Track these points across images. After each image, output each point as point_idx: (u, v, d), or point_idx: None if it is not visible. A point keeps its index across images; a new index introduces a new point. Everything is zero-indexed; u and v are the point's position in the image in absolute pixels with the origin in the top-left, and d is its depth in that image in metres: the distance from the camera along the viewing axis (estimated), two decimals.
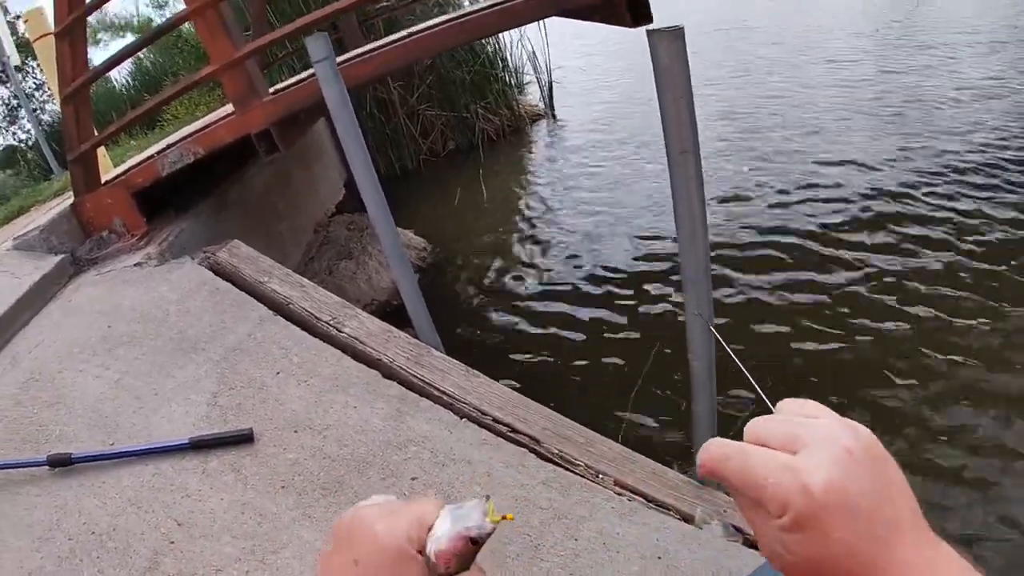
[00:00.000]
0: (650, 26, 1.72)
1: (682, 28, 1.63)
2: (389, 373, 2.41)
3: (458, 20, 3.31)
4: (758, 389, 0.90)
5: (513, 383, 2.49)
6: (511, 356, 4.33)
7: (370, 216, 2.54)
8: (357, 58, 3.34)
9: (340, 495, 1.97)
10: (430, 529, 0.65)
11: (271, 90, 3.51)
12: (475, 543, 0.65)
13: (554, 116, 10.49)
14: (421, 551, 0.64)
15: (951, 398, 3.24)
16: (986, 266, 4.16)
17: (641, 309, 4.52)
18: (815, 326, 3.93)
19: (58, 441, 2.39)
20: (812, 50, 11.18)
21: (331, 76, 2.31)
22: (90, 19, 3.92)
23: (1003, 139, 6.05)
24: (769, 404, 0.96)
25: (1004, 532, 2.57)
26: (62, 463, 2.23)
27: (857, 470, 0.52)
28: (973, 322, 3.68)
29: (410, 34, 3.37)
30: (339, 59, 3.52)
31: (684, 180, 1.70)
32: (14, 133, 15.85)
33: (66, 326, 3.12)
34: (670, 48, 1.61)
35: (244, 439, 2.21)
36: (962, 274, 4.13)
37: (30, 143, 14.02)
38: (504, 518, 0.67)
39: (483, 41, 8.96)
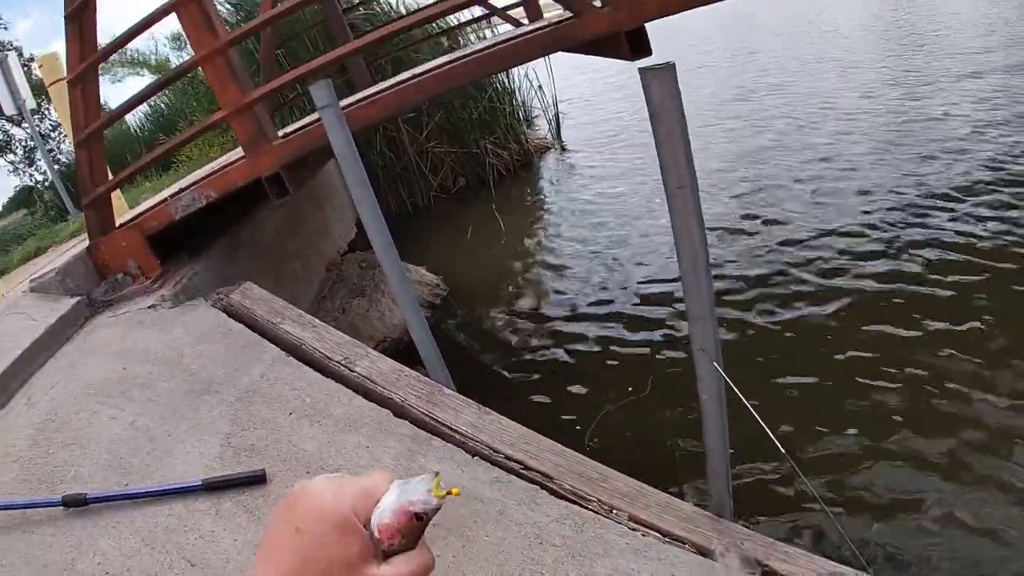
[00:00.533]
0: (642, 63, 1.74)
1: (673, 64, 1.66)
2: (400, 412, 2.43)
3: (462, 60, 3.37)
4: (764, 427, 0.91)
5: (525, 418, 2.48)
6: (523, 391, 4.34)
7: (378, 258, 2.57)
8: (364, 100, 3.39)
9: None
10: (378, 503, 0.63)
11: (280, 133, 3.57)
12: (420, 519, 0.62)
13: (562, 148, 10.57)
14: (367, 525, 0.62)
15: (960, 436, 3.20)
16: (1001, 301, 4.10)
17: (653, 342, 4.52)
18: (825, 359, 3.91)
19: (73, 481, 2.41)
20: (819, 71, 11.24)
21: (336, 122, 2.36)
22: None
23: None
24: (776, 440, 0.98)
25: None
26: (77, 503, 2.25)
27: None
28: (979, 352, 3.64)
29: (416, 76, 3.42)
30: (346, 101, 3.60)
31: (683, 215, 1.72)
32: (31, 175, 16.04)
33: (82, 367, 3.15)
34: (662, 85, 1.64)
35: (257, 480, 2.22)
36: (977, 303, 4.09)
37: (47, 183, 14.18)
38: (450, 493, 0.65)
39: (490, 76, 9.04)
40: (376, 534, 0.62)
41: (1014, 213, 5.05)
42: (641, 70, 1.67)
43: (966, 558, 2.60)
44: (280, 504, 0.65)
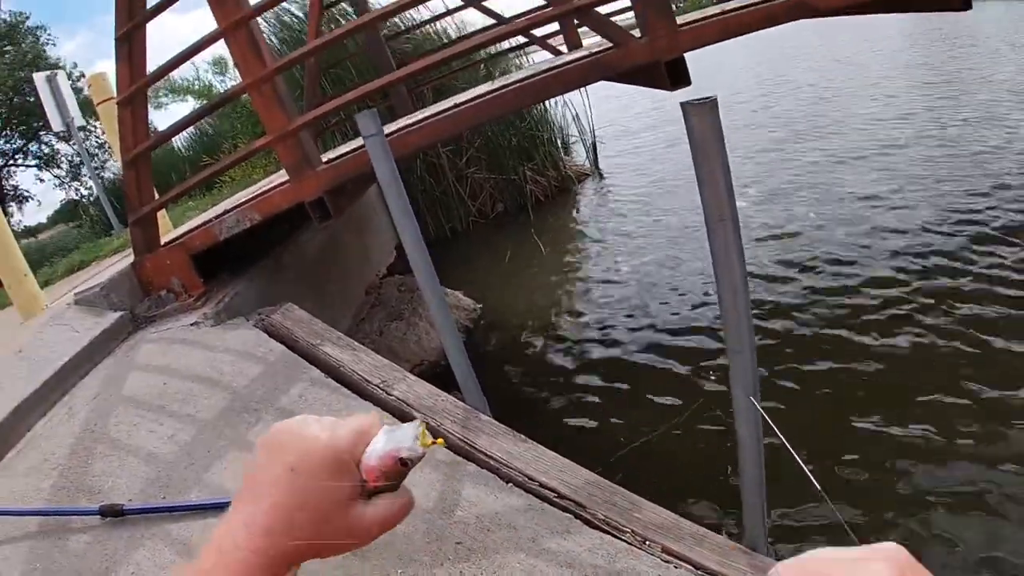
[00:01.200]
0: (684, 98, 1.76)
1: (715, 99, 1.67)
2: (436, 436, 2.44)
3: (501, 90, 3.41)
4: (801, 463, 0.92)
5: (559, 445, 2.49)
6: (557, 418, 4.32)
7: (419, 283, 2.61)
8: (406, 128, 3.45)
9: (384, 557, 1.99)
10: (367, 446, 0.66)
11: (324, 159, 3.64)
12: (404, 464, 0.65)
13: (600, 175, 10.60)
14: (357, 464, 0.65)
15: (997, 470, 3.13)
16: None
17: (690, 372, 4.48)
18: (866, 398, 3.86)
19: (111, 492, 2.45)
20: (856, 104, 11.15)
21: (381, 151, 2.40)
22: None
23: None
24: (813, 480, 0.99)
25: None
26: (114, 513, 2.28)
27: None
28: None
29: (456, 105, 3.48)
30: (389, 128, 3.66)
31: (724, 248, 1.72)
32: (76, 189, 16.42)
33: (123, 381, 3.22)
34: (704, 119, 1.66)
35: None
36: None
37: (92, 199, 14.49)
38: (435, 443, 0.68)
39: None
40: (363, 474, 0.65)
41: None
42: (683, 104, 1.69)
43: None
44: (263, 442, 0.66)
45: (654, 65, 3.24)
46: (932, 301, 4.63)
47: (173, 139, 13.89)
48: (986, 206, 5.92)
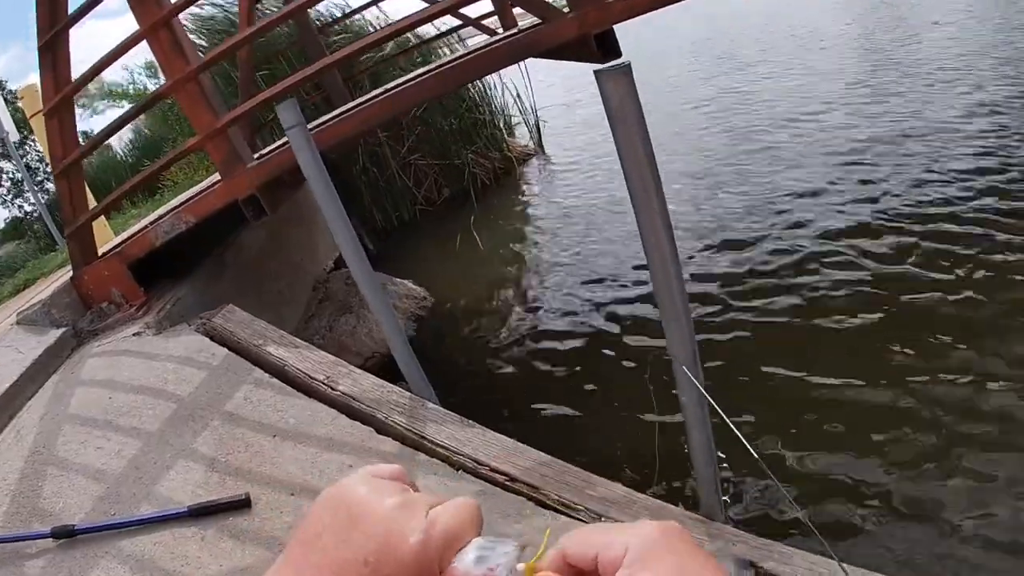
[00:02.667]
0: (598, 66, 1.73)
1: (629, 64, 1.65)
2: (383, 429, 2.42)
3: (429, 74, 3.37)
4: (738, 433, 0.91)
5: (510, 429, 2.47)
6: (508, 402, 4.32)
7: (354, 276, 2.57)
8: (336, 119, 3.39)
9: None
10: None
11: (256, 155, 3.57)
12: None
13: (544, 154, 10.59)
14: (440, 573, 0.53)
15: (932, 429, 3.19)
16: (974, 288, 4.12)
17: (637, 348, 4.50)
18: (805, 358, 3.91)
19: (62, 513, 2.41)
20: (797, 72, 11.27)
21: (303, 142, 2.35)
22: (88, 87, 4.00)
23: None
24: (748, 446, 0.98)
25: None
26: (66, 535, 2.24)
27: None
28: (959, 352, 3.63)
29: (386, 90, 3.43)
30: (320, 120, 3.60)
31: (649, 217, 1.71)
32: (20, 206, 16.04)
33: (68, 399, 3.15)
34: (619, 86, 1.63)
35: (242, 504, 2.22)
36: (955, 302, 4.07)
37: (36, 214, 14.19)
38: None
39: (468, 86, 9.03)
40: None
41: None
42: (596, 72, 1.66)
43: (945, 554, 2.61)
44: (336, 501, 0.55)
45: (584, 39, 3.21)
46: (870, 268, 4.71)
47: (114, 146, 13.69)
48: (914, 177, 6.00)
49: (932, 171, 5.93)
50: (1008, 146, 6.06)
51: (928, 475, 2.93)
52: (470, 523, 0.56)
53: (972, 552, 2.56)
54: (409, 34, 8.45)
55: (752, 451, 0.77)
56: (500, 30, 6.38)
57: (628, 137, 1.66)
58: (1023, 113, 6.85)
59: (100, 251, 4.00)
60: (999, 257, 4.31)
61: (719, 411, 0.94)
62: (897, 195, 5.65)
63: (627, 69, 1.64)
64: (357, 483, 0.56)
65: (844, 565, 1.01)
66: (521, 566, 0.53)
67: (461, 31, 8.59)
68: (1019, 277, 3.98)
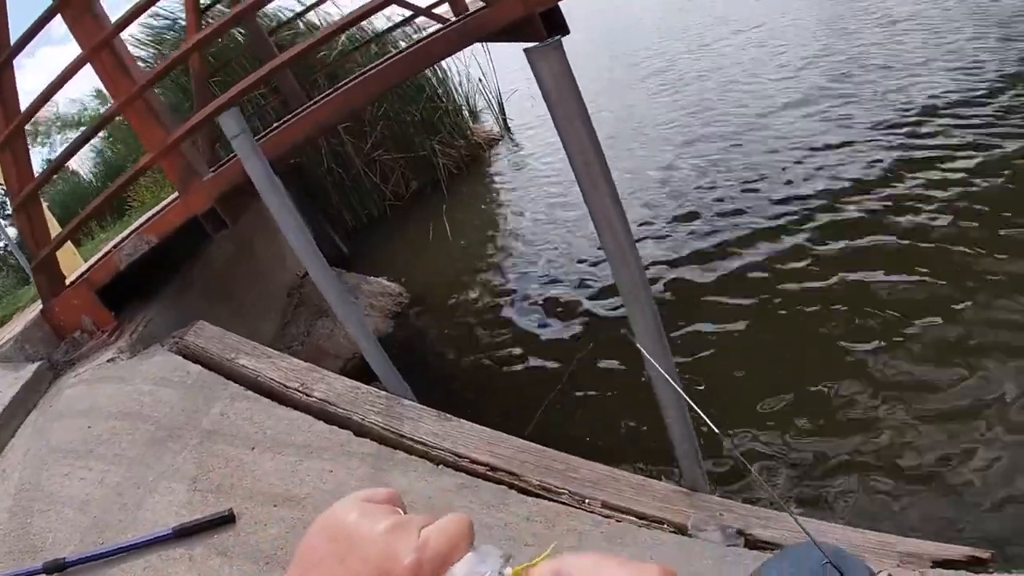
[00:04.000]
0: (528, 44, 1.70)
1: (559, 41, 1.62)
2: (361, 431, 2.41)
3: (374, 70, 3.32)
4: (696, 409, 0.90)
5: (490, 419, 2.47)
6: (487, 392, 4.33)
7: (314, 280, 2.54)
8: (285, 123, 3.35)
9: None
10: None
11: (212, 168, 3.53)
12: None
13: (511, 138, 10.56)
14: None
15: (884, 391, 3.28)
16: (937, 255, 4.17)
17: (612, 328, 4.54)
18: (766, 322, 4.00)
19: (53, 547, 2.39)
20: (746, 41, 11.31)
21: (249, 150, 2.32)
22: (43, 118, 3.94)
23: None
24: (708, 421, 0.97)
25: None
26: (58, 568, 2.23)
27: None
28: (915, 324, 3.68)
29: (336, 88, 3.39)
30: (274, 127, 3.55)
31: (595, 194, 1.68)
32: None
33: (50, 432, 3.12)
34: (551, 63, 1.61)
35: (226, 521, 2.21)
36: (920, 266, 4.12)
37: (8, 248, 14.07)
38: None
39: (427, 75, 8.99)
40: None
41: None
42: (527, 50, 1.63)
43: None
44: (328, 529, 0.55)
45: (530, 18, 3.17)
46: (829, 242, 4.74)
47: (81, 173, 13.56)
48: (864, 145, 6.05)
49: (887, 137, 6.00)
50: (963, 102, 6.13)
51: (888, 437, 3.02)
52: (462, 539, 0.55)
53: (924, 504, 2.67)
54: (368, 30, 8.37)
55: (715, 428, 0.77)
56: (453, 17, 6.33)
57: (566, 114, 1.65)
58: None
59: (69, 280, 3.95)
60: (953, 230, 4.37)
61: (682, 393, 0.93)
62: (861, 164, 5.70)
63: (557, 45, 1.62)
64: (349, 509, 0.56)
65: (793, 514, 1.01)
66: (509, 570, 0.53)
67: (421, 22, 8.49)
68: (974, 253, 4.02)
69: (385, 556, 0.52)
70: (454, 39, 3.24)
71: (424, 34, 8.33)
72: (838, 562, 0.99)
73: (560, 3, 3.22)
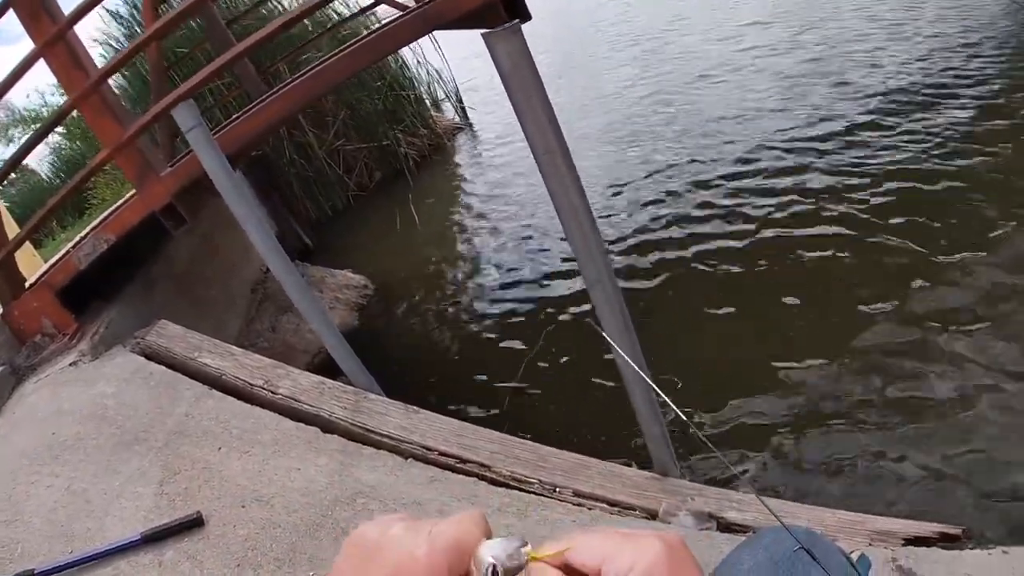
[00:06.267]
0: (485, 30, 1.67)
1: (518, 24, 1.60)
2: (328, 427, 2.38)
3: (336, 57, 3.26)
4: (666, 399, 0.89)
5: (458, 411, 2.46)
6: (453, 383, 4.28)
7: (274, 272, 2.50)
8: (242, 116, 3.29)
9: (295, 564, 1.94)
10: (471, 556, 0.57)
11: (170, 163, 3.46)
12: None
13: (471, 127, 10.53)
14: None
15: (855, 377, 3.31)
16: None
17: (577, 316, 4.53)
18: (728, 301, 4.05)
19: (21, 558, 2.34)
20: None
21: (205, 143, 2.28)
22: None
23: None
24: (678, 411, 0.96)
25: None
26: None
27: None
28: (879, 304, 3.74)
29: (294, 78, 3.33)
30: (233, 118, 3.49)
31: (557, 180, 1.67)
32: None
33: (13, 439, 3.06)
34: (510, 47, 1.58)
35: (194, 524, 2.17)
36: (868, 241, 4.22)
37: None
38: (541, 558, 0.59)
39: (388, 63, 8.91)
40: None
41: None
42: (485, 35, 1.61)
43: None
44: (353, 546, 0.59)
45: (491, 5, 3.13)
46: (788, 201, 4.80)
47: (39, 171, 13.29)
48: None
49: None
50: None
51: (857, 418, 3.06)
52: (474, 528, 0.59)
53: (895, 485, 2.70)
54: (331, 17, 8.27)
55: (679, 412, 0.76)
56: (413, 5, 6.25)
57: (526, 99, 1.62)
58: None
59: (29, 282, 3.87)
60: (918, 201, 4.49)
61: (646, 378, 0.92)
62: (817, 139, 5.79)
63: (515, 29, 1.59)
64: (367, 528, 0.60)
65: (763, 498, 1.01)
66: (527, 549, 0.57)
67: (381, 12, 8.39)
68: (928, 232, 4.11)
69: (400, 555, 0.55)
70: (419, 24, 3.18)
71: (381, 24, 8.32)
72: (810, 545, 0.98)
73: None
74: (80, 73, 3.19)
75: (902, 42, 7.47)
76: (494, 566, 0.56)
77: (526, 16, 3.24)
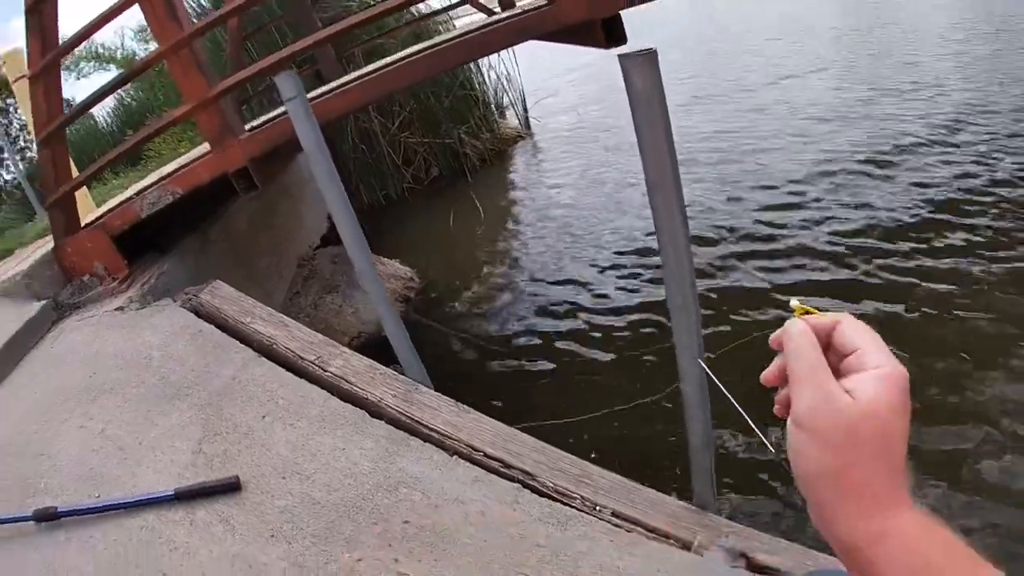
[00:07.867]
0: (621, 50, 1.67)
1: (655, 51, 1.58)
2: (377, 412, 2.36)
3: (430, 51, 3.29)
4: (747, 418, 0.88)
5: (504, 415, 2.43)
6: (501, 387, 4.25)
7: (348, 253, 2.49)
8: (331, 92, 3.31)
9: (330, 543, 1.91)
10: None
11: (248, 127, 3.48)
12: None
13: (533, 138, 10.51)
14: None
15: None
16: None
17: (634, 335, 4.46)
18: None
19: (44, 494, 2.33)
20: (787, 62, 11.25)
21: (303, 115, 2.27)
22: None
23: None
24: (759, 432, 0.94)
25: None
26: (48, 518, 2.17)
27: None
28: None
29: (384, 66, 3.34)
30: (315, 93, 3.51)
31: (665, 209, 1.65)
32: None
33: (49, 375, 3.07)
34: (643, 73, 1.57)
35: (231, 488, 2.15)
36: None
37: (15, 183, 13.93)
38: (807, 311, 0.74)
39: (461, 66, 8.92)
40: None
41: None
42: (621, 58, 1.59)
43: None
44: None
45: (590, 23, 3.14)
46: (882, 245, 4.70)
47: (96, 116, 13.41)
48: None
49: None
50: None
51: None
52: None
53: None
54: (414, 11, 8.33)
55: (762, 436, 0.80)
56: (497, 9, 6.30)
57: (650, 126, 1.60)
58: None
59: (83, 222, 3.90)
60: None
61: (722, 388, 0.93)
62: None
63: (653, 56, 1.57)
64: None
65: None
66: (795, 301, 0.73)
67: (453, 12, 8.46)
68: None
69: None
70: (513, 33, 3.20)
71: (458, 24, 8.37)
72: None
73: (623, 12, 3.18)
74: (174, 26, 3.22)
75: None
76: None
77: (623, 39, 3.26)
